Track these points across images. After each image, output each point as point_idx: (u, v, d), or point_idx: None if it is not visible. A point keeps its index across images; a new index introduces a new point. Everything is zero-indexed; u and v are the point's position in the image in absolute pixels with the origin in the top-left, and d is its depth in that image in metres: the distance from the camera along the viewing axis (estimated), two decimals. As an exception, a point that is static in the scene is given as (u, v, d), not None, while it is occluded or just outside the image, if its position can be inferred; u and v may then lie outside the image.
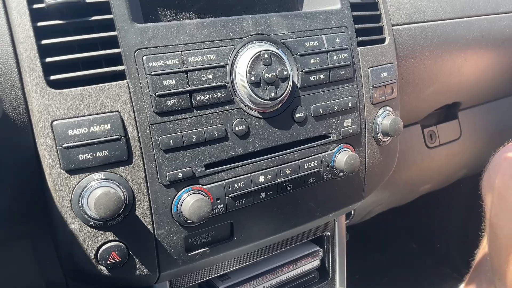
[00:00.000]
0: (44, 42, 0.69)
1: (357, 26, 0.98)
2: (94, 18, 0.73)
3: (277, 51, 0.84)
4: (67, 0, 0.69)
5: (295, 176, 0.90)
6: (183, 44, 0.77)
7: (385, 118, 1.02)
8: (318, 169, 0.93)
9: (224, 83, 0.80)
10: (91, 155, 0.71)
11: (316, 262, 1.15)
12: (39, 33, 0.70)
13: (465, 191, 2.09)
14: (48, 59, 0.70)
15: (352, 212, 1.45)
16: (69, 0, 0.70)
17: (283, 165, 0.89)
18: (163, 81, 0.75)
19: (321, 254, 1.15)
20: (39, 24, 0.70)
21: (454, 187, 1.94)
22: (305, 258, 1.12)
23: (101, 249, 0.75)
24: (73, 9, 0.71)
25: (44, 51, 0.70)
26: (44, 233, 0.86)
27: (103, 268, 0.76)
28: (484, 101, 1.66)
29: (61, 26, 0.71)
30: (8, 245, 0.88)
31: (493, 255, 1.31)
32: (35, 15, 0.70)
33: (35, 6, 0.70)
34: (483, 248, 1.58)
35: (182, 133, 0.77)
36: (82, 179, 0.72)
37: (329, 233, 1.16)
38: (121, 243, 0.76)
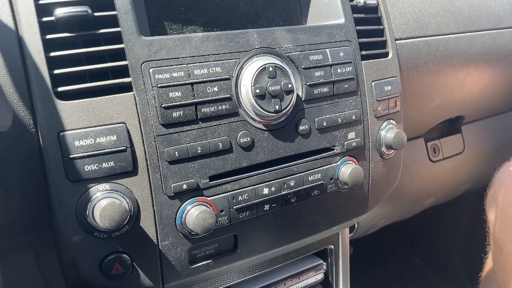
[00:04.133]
0: (52, 54, 0.71)
1: (361, 40, 0.99)
2: (102, 31, 0.74)
3: (281, 64, 0.85)
4: (76, 14, 0.71)
5: (299, 188, 0.90)
6: (189, 57, 0.78)
7: (388, 131, 1.02)
8: (322, 181, 0.93)
9: (229, 95, 0.81)
10: (96, 166, 0.71)
11: (319, 276, 1.14)
12: (48, 46, 0.71)
13: (469, 205, 2.08)
14: (56, 71, 0.71)
15: (356, 226, 1.45)
16: (78, 13, 0.71)
17: (287, 177, 0.89)
18: (169, 93, 0.76)
19: (324, 267, 1.15)
20: (48, 36, 0.71)
21: (458, 201, 1.93)
22: (309, 272, 1.12)
23: (105, 260, 0.75)
24: (81, 22, 0.72)
25: (52, 63, 0.71)
26: (48, 243, 0.86)
27: (106, 279, 0.76)
28: (487, 115, 1.67)
29: (70, 39, 0.72)
30: (12, 255, 0.88)
31: (497, 271, 1.29)
32: (44, 28, 0.71)
33: (45, 19, 0.71)
34: (488, 264, 1.57)
35: (187, 145, 0.78)
36: (87, 190, 0.72)
37: (332, 247, 1.16)
38: (125, 255, 0.76)
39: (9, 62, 0.70)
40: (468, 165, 1.65)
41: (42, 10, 0.71)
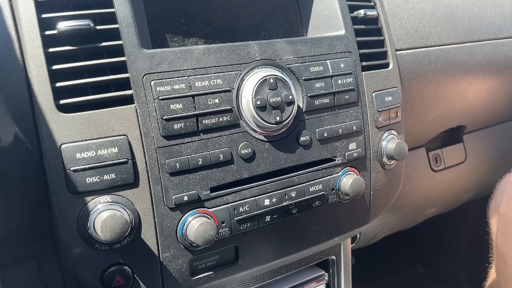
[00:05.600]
0: (55, 67, 0.71)
1: (361, 51, 0.99)
2: (104, 44, 0.74)
3: (282, 75, 0.85)
4: (78, 27, 0.71)
5: (300, 199, 0.90)
6: (190, 69, 0.79)
7: (389, 142, 1.02)
8: (323, 192, 0.93)
9: (230, 107, 0.81)
10: (98, 178, 0.72)
11: (321, 287, 1.13)
12: (50, 59, 0.71)
13: (472, 214, 2.08)
14: (58, 84, 0.71)
15: (358, 236, 1.44)
16: (80, 27, 0.72)
17: (288, 189, 0.89)
18: (171, 105, 0.76)
19: (326, 278, 1.14)
20: (51, 50, 0.71)
21: (460, 210, 1.92)
22: (311, 283, 1.11)
23: (106, 272, 0.75)
24: (83, 35, 0.73)
25: (54, 76, 0.71)
26: (50, 254, 0.87)
27: None
28: (489, 125, 1.67)
29: (72, 52, 0.73)
30: (14, 267, 0.88)
31: (502, 283, 1.28)
32: (47, 41, 0.72)
33: (47, 32, 0.72)
34: (492, 274, 1.56)
35: (188, 156, 0.78)
36: (88, 202, 0.72)
37: (334, 257, 1.15)
38: (126, 267, 0.76)
39: (12, 75, 0.71)
40: (470, 174, 1.64)
41: (44, 24, 0.72)
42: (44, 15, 0.72)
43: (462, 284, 2.26)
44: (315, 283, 1.12)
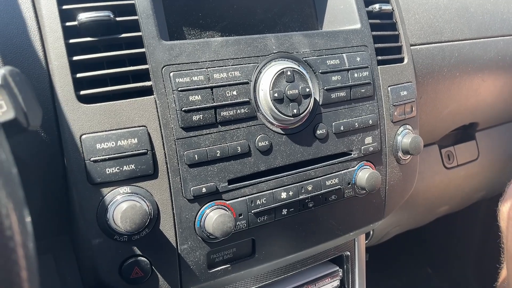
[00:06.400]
0: (75, 58, 0.72)
1: (377, 45, 0.99)
2: (123, 35, 0.75)
3: (299, 68, 0.85)
4: (98, 18, 0.72)
5: (316, 193, 0.90)
6: (208, 61, 0.79)
7: (405, 137, 1.02)
8: (339, 186, 0.92)
9: (247, 99, 0.81)
10: (117, 169, 0.72)
11: (335, 283, 1.13)
12: (71, 50, 0.72)
13: (483, 213, 2.06)
14: (78, 75, 0.71)
15: (371, 233, 1.44)
16: (100, 18, 0.72)
17: (304, 182, 0.89)
18: (189, 97, 0.76)
19: (340, 274, 1.14)
20: (71, 41, 0.72)
21: (471, 210, 1.91)
22: (325, 278, 1.11)
23: (125, 264, 0.75)
24: (103, 27, 0.73)
25: (75, 67, 0.72)
26: (66, 247, 0.87)
27: (125, 283, 0.76)
28: (502, 122, 1.66)
29: (92, 43, 0.73)
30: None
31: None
32: (68, 32, 0.72)
33: (68, 24, 0.72)
34: (503, 274, 1.54)
35: (206, 148, 0.78)
36: (108, 193, 0.72)
37: (348, 253, 1.15)
38: (144, 258, 0.76)
39: (33, 66, 0.71)
40: (482, 172, 1.63)
41: (65, 15, 0.72)
42: (64, 6, 0.72)
43: (472, 285, 2.25)
44: (329, 279, 1.12)
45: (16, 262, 0.33)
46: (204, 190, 0.78)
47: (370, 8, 1.01)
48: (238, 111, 0.81)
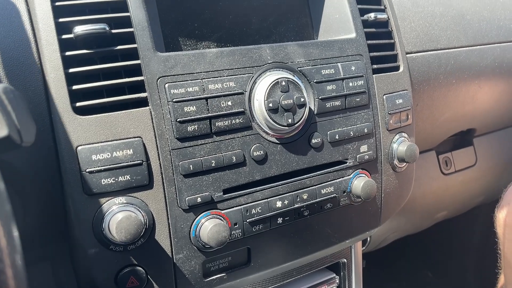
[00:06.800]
0: (71, 70, 0.72)
1: (372, 54, 1.00)
2: (119, 47, 0.76)
3: (294, 78, 0.86)
4: (94, 31, 0.73)
5: (312, 201, 0.90)
6: (203, 72, 0.80)
7: (400, 144, 1.02)
8: (334, 194, 0.93)
9: (242, 109, 0.82)
10: (113, 180, 0.72)
11: (332, 290, 1.13)
12: (67, 62, 0.73)
13: (482, 218, 2.06)
14: (74, 87, 0.72)
15: (368, 239, 1.44)
16: (96, 30, 0.73)
17: (300, 191, 0.89)
18: (184, 108, 0.77)
19: (337, 281, 1.14)
20: (67, 53, 0.73)
21: (470, 214, 1.91)
22: (321, 285, 1.11)
23: (121, 273, 0.75)
24: (99, 39, 0.74)
25: (70, 79, 0.72)
26: (63, 255, 0.87)
27: None
28: (499, 128, 1.66)
29: (88, 55, 0.74)
30: (29, 268, 0.89)
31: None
32: (64, 45, 0.73)
33: (64, 36, 0.73)
34: (501, 279, 1.54)
35: (201, 158, 0.79)
36: (104, 203, 0.73)
37: (345, 260, 1.15)
38: (140, 268, 0.77)
39: (29, 78, 0.72)
40: (480, 178, 1.63)
41: (61, 28, 0.73)
42: (61, 20, 0.73)
43: (472, 289, 2.25)
44: (326, 286, 1.12)
45: (5, 283, 0.33)
46: (199, 200, 0.79)
47: (365, 17, 1.02)
48: (233, 121, 0.81)
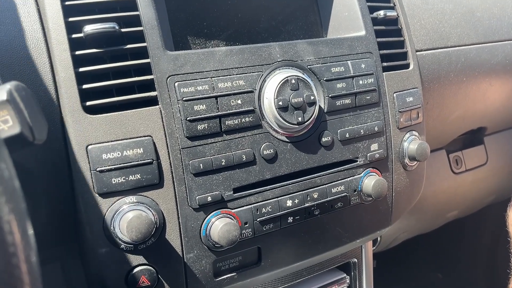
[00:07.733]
0: (81, 69, 0.72)
1: (382, 52, 0.99)
2: (128, 46, 0.76)
3: (304, 76, 0.85)
4: (104, 30, 0.73)
5: (322, 200, 0.90)
6: (213, 70, 0.80)
7: (411, 143, 1.01)
8: (345, 193, 0.92)
9: (252, 108, 0.82)
10: (123, 179, 0.72)
11: (343, 290, 1.13)
12: (77, 61, 0.73)
13: (493, 218, 2.04)
14: (85, 86, 0.72)
15: (379, 239, 1.43)
16: (106, 29, 0.73)
17: (310, 190, 0.88)
18: (194, 106, 0.77)
19: (348, 281, 1.13)
20: (77, 52, 0.73)
21: (480, 214, 1.89)
22: (332, 285, 1.10)
23: (131, 273, 0.75)
24: (109, 38, 0.74)
25: (81, 78, 0.73)
26: (74, 256, 0.87)
27: None
28: (511, 126, 1.64)
29: (97, 54, 0.74)
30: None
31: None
32: (74, 44, 0.73)
33: (74, 35, 0.73)
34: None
35: (211, 157, 0.78)
36: (114, 203, 0.73)
37: (356, 260, 1.14)
38: (150, 267, 0.76)
39: (40, 77, 0.72)
40: (492, 177, 1.62)
41: (71, 27, 0.73)
42: (71, 19, 0.73)
43: (483, 290, 2.22)
44: (336, 286, 1.11)
45: (19, 278, 0.33)
46: (209, 199, 0.78)
47: (375, 14, 1.01)
48: (243, 120, 0.81)
